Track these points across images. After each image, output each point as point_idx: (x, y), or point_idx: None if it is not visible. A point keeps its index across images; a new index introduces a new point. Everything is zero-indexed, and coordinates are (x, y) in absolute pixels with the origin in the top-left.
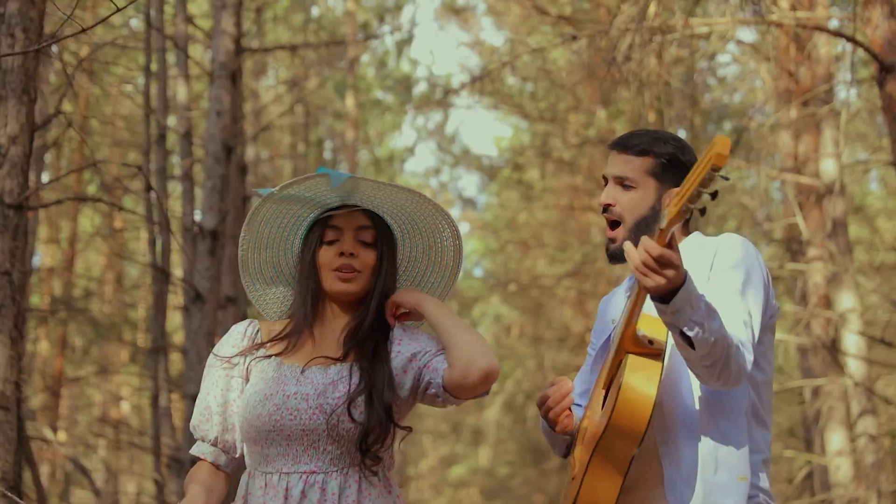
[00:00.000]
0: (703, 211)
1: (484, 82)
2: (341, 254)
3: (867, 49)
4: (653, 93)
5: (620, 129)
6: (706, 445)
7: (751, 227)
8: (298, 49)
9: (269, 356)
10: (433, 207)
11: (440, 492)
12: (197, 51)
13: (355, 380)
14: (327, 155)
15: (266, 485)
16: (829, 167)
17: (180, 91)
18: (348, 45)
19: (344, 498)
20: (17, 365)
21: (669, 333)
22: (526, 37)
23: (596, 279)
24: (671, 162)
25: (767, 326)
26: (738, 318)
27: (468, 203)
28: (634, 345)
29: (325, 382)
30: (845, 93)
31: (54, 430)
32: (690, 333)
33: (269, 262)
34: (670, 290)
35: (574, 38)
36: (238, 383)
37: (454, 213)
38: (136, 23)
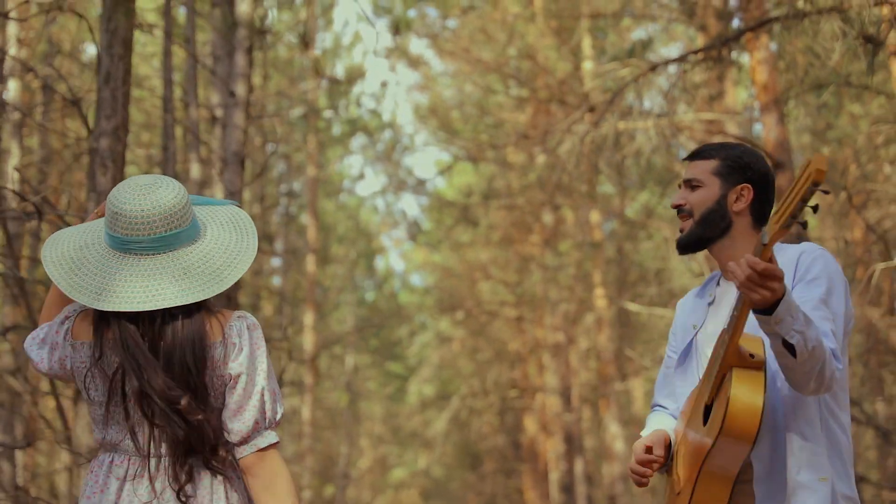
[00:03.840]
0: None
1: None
2: None
3: (761, 149)
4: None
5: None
6: (790, 445)
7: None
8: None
9: None
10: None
11: (378, 492)
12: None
13: None
14: (281, 179)
15: None
16: None
17: (194, 170)
18: (312, 85)
19: None
20: None
21: (766, 345)
22: (474, 88)
23: (532, 304)
24: (735, 163)
25: (846, 332)
26: (826, 327)
27: (413, 225)
28: (738, 359)
29: None
30: None
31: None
32: (792, 342)
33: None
34: (773, 302)
35: (525, 136)
36: None
37: (399, 233)
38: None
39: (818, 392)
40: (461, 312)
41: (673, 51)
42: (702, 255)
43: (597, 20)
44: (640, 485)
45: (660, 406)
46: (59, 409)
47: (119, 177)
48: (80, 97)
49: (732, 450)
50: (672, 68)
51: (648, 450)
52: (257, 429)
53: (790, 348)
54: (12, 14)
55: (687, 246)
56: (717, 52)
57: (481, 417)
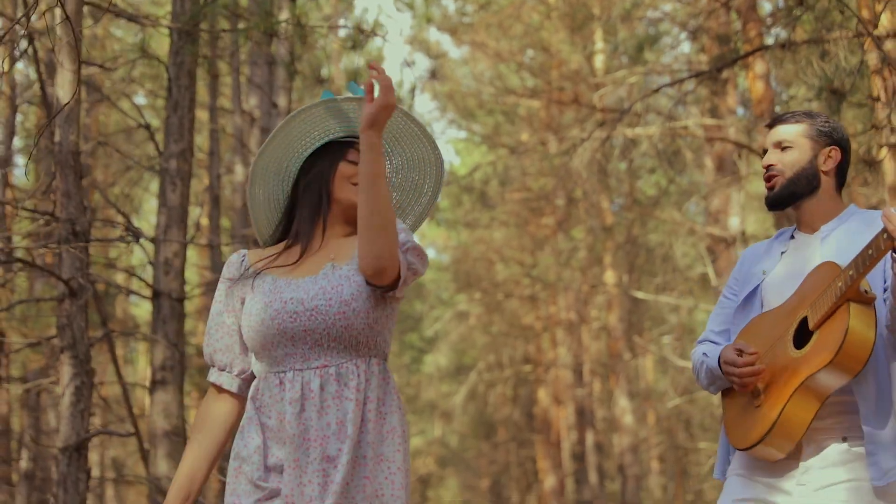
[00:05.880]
0: None
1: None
2: None
3: (757, 152)
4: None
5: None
6: (894, 383)
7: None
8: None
9: (266, 273)
10: (436, 156)
11: None
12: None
13: (343, 282)
14: None
15: (281, 382)
16: (734, 223)
17: (237, 172)
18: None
19: (358, 385)
20: (181, 406)
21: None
22: (489, 82)
23: (544, 282)
24: (824, 127)
25: None
26: None
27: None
28: (857, 294)
29: (317, 287)
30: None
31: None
32: None
33: (275, 164)
34: None
35: (542, 143)
36: (237, 305)
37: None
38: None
39: None
40: (478, 293)
41: (679, 46)
42: (702, 243)
43: (608, 21)
44: (748, 386)
45: (711, 342)
46: (126, 395)
47: (186, 193)
48: (149, 124)
49: (838, 375)
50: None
51: (739, 352)
52: None
53: None
54: (107, 64)
55: (777, 201)
56: (717, 73)
57: (496, 389)
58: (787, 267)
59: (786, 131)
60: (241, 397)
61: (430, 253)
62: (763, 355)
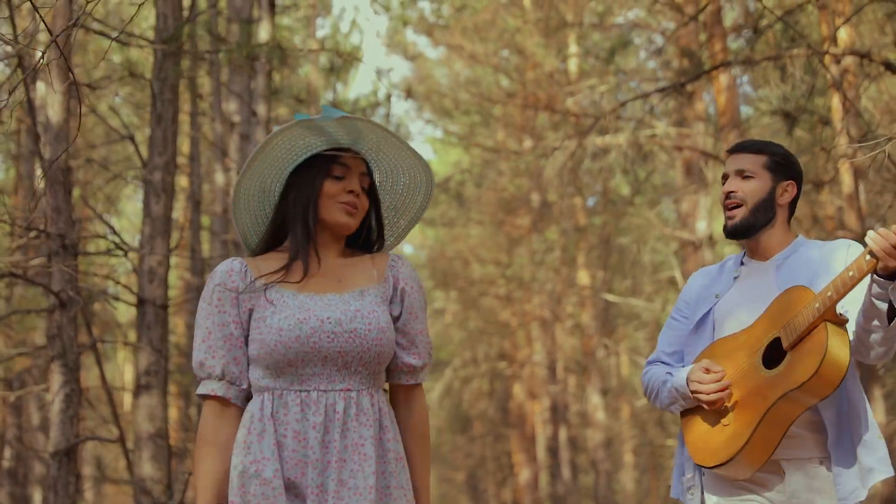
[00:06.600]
0: None
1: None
2: (350, 191)
3: (721, 161)
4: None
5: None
6: (858, 406)
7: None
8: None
9: (278, 287)
10: (423, 169)
11: None
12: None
13: (376, 309)
14: None
15: (302, 402)
16: (702, 226)
17: (218, 177)
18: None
19: (373, 414)
20: (165, 410)
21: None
22: (467, 82)
23: (519, 281)
24: (783, 161)
25: None
26: None
27: None
28: (833, 316)
29: (352, 309)
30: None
31: None
32: None
33: (258, 182)
34: None
35: (516, 153)
36: (243, 316)
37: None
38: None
39: (885, 357)
40: (454, 291)
41: (651, 48)
42: (672, 244)
43: (582, 27)
44: (717, 403)
45: (663, 362)
46: (111, 401)
47: (170, 205)
48: (133, 135)
49: (814, 393)
50: (645, 94)
51: (706, 371)
52: None
53: (889, 315)
54: (95, 83)
55: (736, 232)
56: (682, 88)
57: (472, 384)
58: (741, 291)
59: (747, 160)
60: (243, 410)
61: (408, 249)
62: (730, 377)
